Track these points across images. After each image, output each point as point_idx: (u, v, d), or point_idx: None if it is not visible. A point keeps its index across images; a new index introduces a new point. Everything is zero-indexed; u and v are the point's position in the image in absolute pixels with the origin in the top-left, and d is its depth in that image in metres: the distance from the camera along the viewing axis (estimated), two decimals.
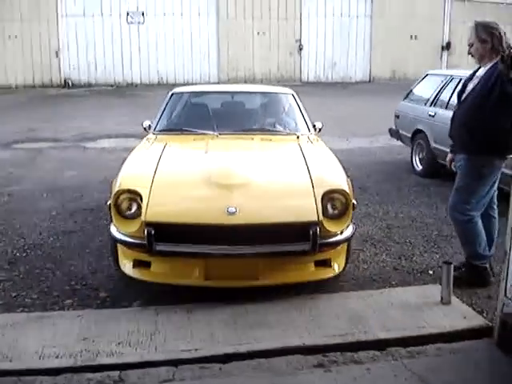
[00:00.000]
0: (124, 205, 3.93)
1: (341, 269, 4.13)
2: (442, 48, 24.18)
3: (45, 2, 20.44)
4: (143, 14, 21.37)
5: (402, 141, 9.08)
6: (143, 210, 3.82)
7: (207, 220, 3.78)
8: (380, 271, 4.67)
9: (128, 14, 21.20)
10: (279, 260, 3.92)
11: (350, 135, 11.88)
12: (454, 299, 3.94)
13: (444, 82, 7.97)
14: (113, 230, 4.01)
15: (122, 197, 3.94)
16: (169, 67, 22.15)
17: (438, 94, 8.00)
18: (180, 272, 3.94)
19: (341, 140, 10.98)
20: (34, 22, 20.49)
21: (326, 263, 4.04)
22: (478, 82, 4.10)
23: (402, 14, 23.28)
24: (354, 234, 4.15)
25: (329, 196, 3.95)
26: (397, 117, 9.08)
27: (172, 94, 6.13)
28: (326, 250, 3.92)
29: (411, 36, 23.91)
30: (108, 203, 4.02)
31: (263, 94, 6.51)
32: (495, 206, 4.40)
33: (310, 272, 3.99)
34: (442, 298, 3.91)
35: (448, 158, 4.65)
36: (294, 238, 3.82)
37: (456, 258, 4.95)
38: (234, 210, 3.75)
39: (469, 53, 4.17)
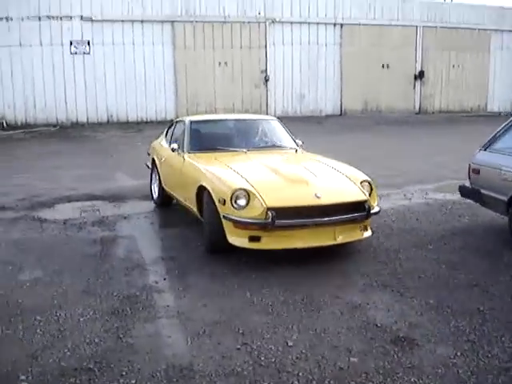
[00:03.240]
0: (236, 199, 5.52)
1: (370, 232, 6.02)
2: (415, 77, 22.53)
3: None
4: (89, 43, 18.62)
5: (484, 204, 6.76)
6: (260, 200, 5.46)
7: (306, 203, 5.57)
8: None
9: (71, 43, 18.39)
10: (345, 226, 5.74)
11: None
12: None
13: None
14: (229, 216, 5.55)
15: (235, 194, 5.53)
16: (120, 103, 19.39)
17: None
18: (285, 240, 5.53)
19: None
20: None
21: (365, 228, 5.95)
22: None
23: (372, 42, 21.61)
24: (380, 210, 6.15)
25: (360, 184, 5.98)
26: (475, 172, 6.76)
27: (191, 122, 7.61)
28: (370, 216, 5.88)
29: (383, 65, 22.24)
30: (222, 200, 5.59)
31: (258, 120, 8.46)
32: None
33: (359, 233, 5.90)
34: None
35: None
36: (353, 211, 5.71)
37: None
38: (320, 195, 5.57)
39: None
